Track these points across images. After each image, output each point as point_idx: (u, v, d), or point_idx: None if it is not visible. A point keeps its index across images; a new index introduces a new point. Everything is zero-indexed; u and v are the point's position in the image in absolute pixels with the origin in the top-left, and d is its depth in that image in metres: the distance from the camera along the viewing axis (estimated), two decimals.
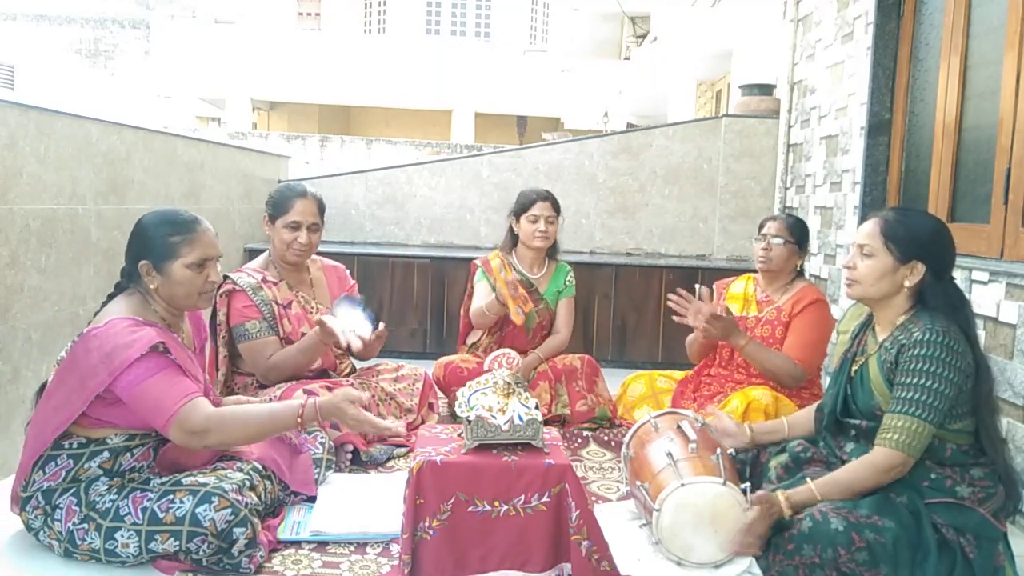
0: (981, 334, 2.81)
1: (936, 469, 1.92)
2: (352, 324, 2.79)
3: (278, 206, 3.01)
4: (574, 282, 3.62)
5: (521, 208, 3.48)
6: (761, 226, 3.15)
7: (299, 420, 2.11)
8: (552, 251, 3.58)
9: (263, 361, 2.89)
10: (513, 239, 3.56)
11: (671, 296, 2.90)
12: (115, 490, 2.10)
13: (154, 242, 2.15)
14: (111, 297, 2.22)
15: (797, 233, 3.08)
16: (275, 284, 3.01)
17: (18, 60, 14.98)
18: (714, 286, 3.33)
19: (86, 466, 2.09)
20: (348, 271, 3.33)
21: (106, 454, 2.11)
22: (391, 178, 5.51)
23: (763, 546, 1.86)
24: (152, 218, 2.20)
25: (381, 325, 2.90)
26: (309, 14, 23.25)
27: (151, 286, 2.17)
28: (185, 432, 2.02)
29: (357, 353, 2.83)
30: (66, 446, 2.10)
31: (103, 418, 2.09)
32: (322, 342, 2.83)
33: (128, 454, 2.14)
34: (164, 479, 2.15)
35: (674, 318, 2.94)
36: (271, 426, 2.14)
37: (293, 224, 2.98)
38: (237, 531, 2.02)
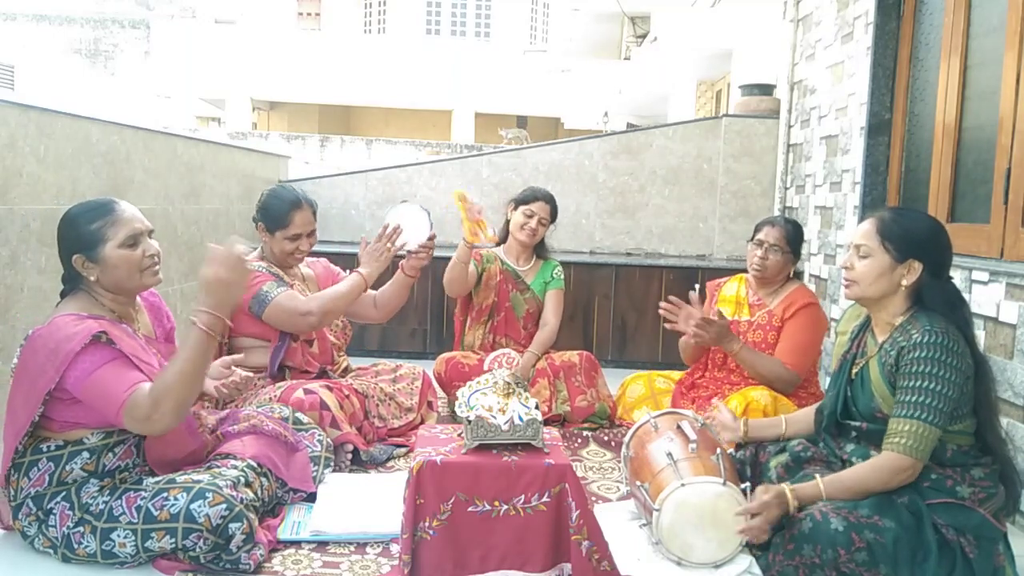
0: (981, 334, 2.81)
1: (937, 469, 1.92)
2: (413, 223, 2.85)
3: (276, 219, 2.97)
4: (562, 275, 3.72)
5: (523, 200, 3.62)
6: (757, 229, 3.12)
7: (205, 330, 1.99)
8: (540, 250, 3.73)
9: (301, 306, 2.87)
10: (506, 229, 3.68)
11: (663, 304, 2.88)
12: (107, 491, 2.10)
13: (79, 234, 2.13)
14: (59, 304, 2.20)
15: (794, 242, 3.08)
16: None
17: (18, 60, 14.97)
18: (707, 287, 3.33)
19: (68, 468, 2.08)
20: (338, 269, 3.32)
21: (86, 455, 2.10)
22: (391, 178, 5.51)
23: (770, 534, 1.85)
24: (70, 213, 2.18)
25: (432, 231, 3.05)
26: (309, 14, 23.25)
27: (91, 278, 2.14)
28: (136, 420, 1.99)
29: (411, 255, 3.03)
30: (44, 449, 2.09)
31: (71, 420, 2.08)
32: (365, 278, 2.94)
33: (110, 454, 2.13)
34: (157, 478, 2.14)
35: (666, 325, 2.95)
36: (197, 358, 2.00)
37: (294, 236, 2.98)
38: (233, 526, 2.02)
